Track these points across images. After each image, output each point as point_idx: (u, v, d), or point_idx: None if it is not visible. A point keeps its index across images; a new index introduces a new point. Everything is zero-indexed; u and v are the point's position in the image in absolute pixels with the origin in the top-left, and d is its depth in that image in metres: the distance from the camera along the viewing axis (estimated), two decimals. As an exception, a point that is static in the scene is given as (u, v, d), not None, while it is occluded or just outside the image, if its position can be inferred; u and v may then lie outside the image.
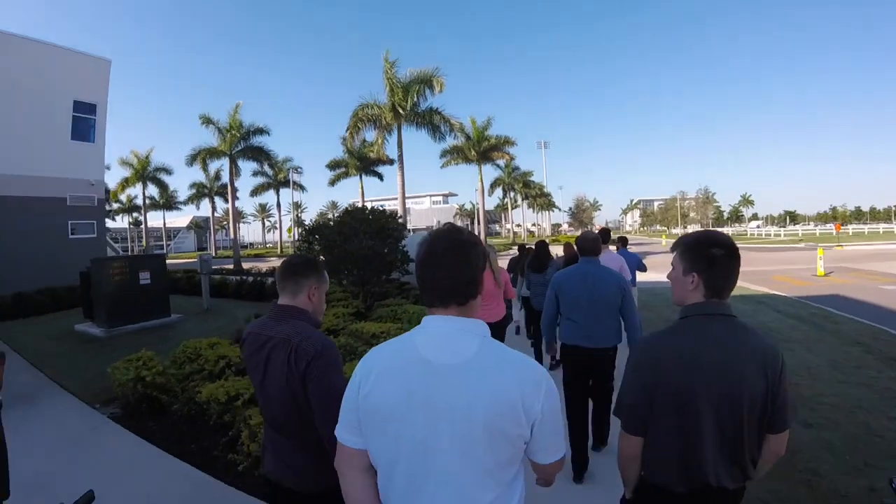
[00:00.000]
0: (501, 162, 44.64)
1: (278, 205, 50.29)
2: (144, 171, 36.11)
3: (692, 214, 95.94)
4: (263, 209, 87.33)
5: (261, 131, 30.08)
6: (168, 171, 37.85)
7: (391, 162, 41.86)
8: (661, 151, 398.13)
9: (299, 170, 46.89)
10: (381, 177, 42.38)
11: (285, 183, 46.69)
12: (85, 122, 18.10)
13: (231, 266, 28.60)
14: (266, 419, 1.86)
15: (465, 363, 1.12)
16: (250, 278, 15.67)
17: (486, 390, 1.10)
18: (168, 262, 38.32)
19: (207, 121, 28.62)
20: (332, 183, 41.00)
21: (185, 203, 51.97)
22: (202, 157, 29.81)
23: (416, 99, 24.54)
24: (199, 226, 76.65)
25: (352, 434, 1.21)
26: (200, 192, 49.93)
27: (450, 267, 1.17)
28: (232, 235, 31.48)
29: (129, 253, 39.06)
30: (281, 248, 54.61)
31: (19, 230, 16.07)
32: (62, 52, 17.45)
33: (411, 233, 19.40)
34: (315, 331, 1.74)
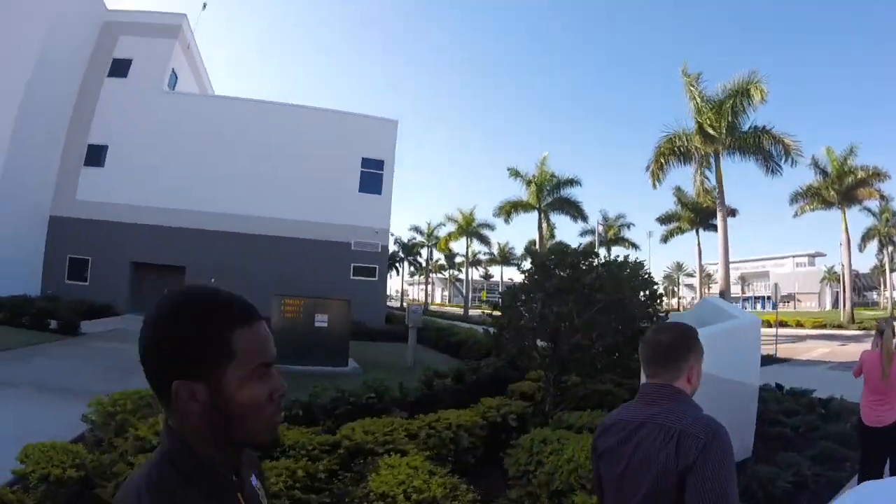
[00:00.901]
0: (875, 205, 30.69)
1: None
2: (468, 227, 38.65)
3: None
4: None
5: (571, 182, 28.43)
6: (490, 227, 39.90)
7: (733, 213, 34.09)
8: None
9: (630, 226, 43.32)
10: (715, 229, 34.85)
11: (616, 241, 43.50)
12: (372, 176, 20.21)
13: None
14: None
15: None
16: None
17: None
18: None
19: (515, 174, 28.80)
20: (665, 240, 36.04)
21: (521, 259, 55.15)
22: (506, 209, 30.16)
23: (730, 118, 18.13)
24: None
25: None
26: (532, 250, 52.05)
27: None
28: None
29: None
30: None
31: (309, 268, 18.45)
32: (353, 116, 20.25)
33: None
34: (701, 411, 1.40)
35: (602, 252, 46.52)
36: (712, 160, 19.62)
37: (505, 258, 54.74)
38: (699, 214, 31.01)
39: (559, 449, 3.70)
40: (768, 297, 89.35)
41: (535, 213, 29.08)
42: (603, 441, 1.54)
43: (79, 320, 13.28)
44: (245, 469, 0.84)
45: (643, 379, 1.55)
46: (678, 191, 30.93)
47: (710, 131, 18.48)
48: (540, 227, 28.77)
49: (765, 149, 18.87)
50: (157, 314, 0.73)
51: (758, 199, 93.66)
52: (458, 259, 57.48)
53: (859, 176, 27.12)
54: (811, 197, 29.00)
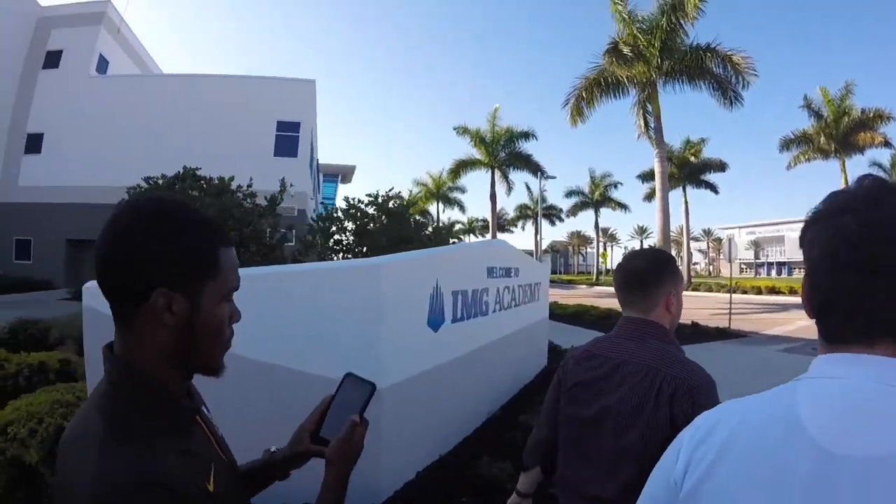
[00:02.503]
0: (886, 156, 26.31)
1: (596, 226, 43.76)
2: (439, 192, 36.51)
3: None
4: (579, 236, 77.58)
5: (526, 135, 25.92)
6: (462, 190, 37.65)
7: (722, 167, 30.12)
8: None
9: (617, 185, 40.24)
10: (714, 188, 30.99)
11: (603, 201, 40.58)
12: (288, 139, 19.91)
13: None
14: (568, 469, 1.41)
15: None
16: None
17: None
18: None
19: (464, 130, 26.67)
20: (649, 198, 32.88)
21: (512, 224, 52.61)
22: (455, 169, 28.32)
23: (664, 37, 15.42)
24: (555, 250, 77.84)
25: None
26: (523, 214, 49.10)
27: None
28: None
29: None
30: (596, 276, 47.83)
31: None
32: (269, 80, 20.01)
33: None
34: (689, 360, 1.31)
35: (586, 213, 42.94)
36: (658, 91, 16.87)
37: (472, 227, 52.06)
38: (684, 169, 27.35)
39: None
40: (783, 264, 79.60)
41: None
42: (574, 374, 1.43)
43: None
44: (196, 394, 0.82)
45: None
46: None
47: (646, 52, 15.91)
48: (493, 186, 26.78)
49: (712, 71, 15.86)
50: (137, 219, 0.67)
51: (775, 161, 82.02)
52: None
53: (856, 117, 22.19)
54: (804, 144, 24.26)
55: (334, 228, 9.13)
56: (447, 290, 3.43)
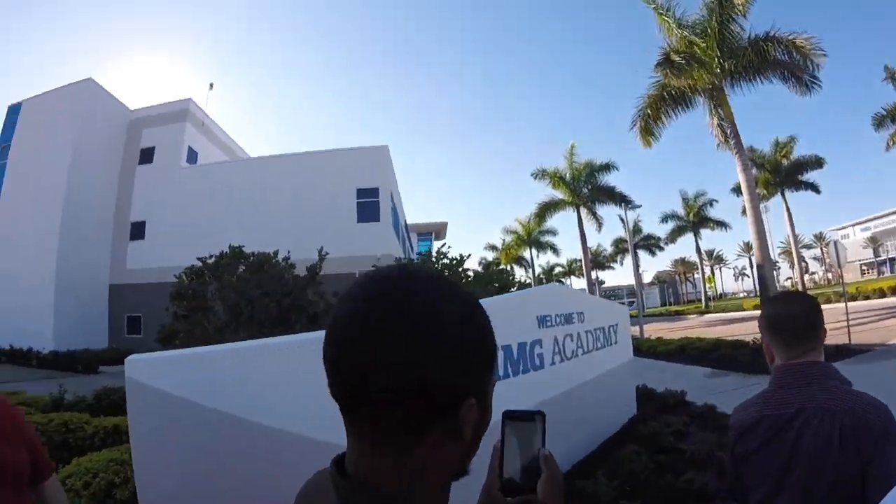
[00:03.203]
0: None
1: (698, 250, 40.70)
2: (529, 237, 36.04)
3: None
4: (684, 263, 71.98)
5: (607, 168, 25.14)
6: (553, 233, 36.86)
7: (819, 163, 27.56)
8: None
9: (713, 202, 37.49)
10: (815, 188, 28.45)
11: (700, 223, 37.93)
12: (368, 204, 20.73)
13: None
14: None
15: None
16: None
17: None
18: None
19: (542, 174, 26.44)
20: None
21: (611, 260, 50.91)
22: (540, 213, 28.15)
23: (718, 36, 14.71)
24: (661, 280, 75.51)
25: None
26: (620, 248, 47.64)
27: None
28: (586, 285, 27.53)
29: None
30: (705, 303, 44.05)
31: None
32: (344, 151, 21.27)
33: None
34: (852, 385, 1.30)
35: (686, 238, 40.09)
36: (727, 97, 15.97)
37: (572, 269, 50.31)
38: (779, 174, 25.28)
39: None
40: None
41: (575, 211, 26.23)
42: (745, 443, 1.38)
43: (98, 364, 17.03)
44: None
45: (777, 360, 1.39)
46: (751, 151, 25.85)
47: (699, 57, 15.24)
48: (580, 224, 25.94)
49: (778, 60, 14.85)
50: (460, 305, 0.54)
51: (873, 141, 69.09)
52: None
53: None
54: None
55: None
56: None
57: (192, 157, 23.53)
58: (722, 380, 8.64)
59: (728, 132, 16.09)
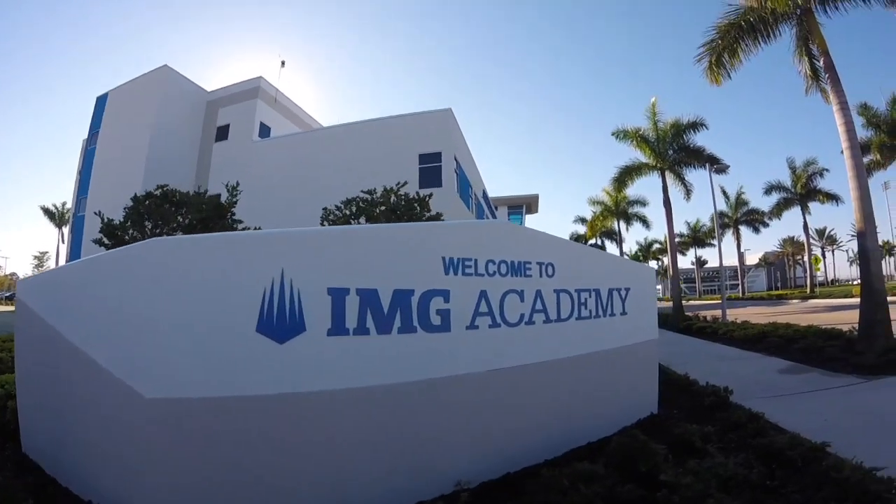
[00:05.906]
0: None
1: (805, 227, 35.86)
2: (617, 208, 32.93)
3: None
4: (793, 243, 64.85)
5: (694, 126, 21.83)
6: (643, 203, 33.43)
7: None
8: None
9: (823, 172, 33.05)
10: None
11: (808, 195, 33.73)
12: (431, 170, 20.01)
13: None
14: None
15: None
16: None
17: None
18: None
19: (623, 134, 23.50)
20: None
21: (709, 236, 47.35)
22: (620, 178, 25.31)
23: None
24: (768, 262, 71.57)
25: None
26: (724, 223, 42.58)
27: None
28: (670, 271, 25.43)
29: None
30: (810, 287, 38.97)
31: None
32: (408, 116, 20.76)
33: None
34: None
35: (792, 213, 36.42)
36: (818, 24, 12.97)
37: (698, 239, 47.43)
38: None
39: None
40: None
41: (659, 176, 23.73)
42: None
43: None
44: None
45: None
46: (864, 109, 22.93)
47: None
48: (664, 191, 23.50)
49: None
50: None
51: None
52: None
53: None
54: None
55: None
56: (317, 287, 2.67)
57: (266, 131, 24.08)
58: (798, 377, 6.88)
59: (821, 69, 13.12)
